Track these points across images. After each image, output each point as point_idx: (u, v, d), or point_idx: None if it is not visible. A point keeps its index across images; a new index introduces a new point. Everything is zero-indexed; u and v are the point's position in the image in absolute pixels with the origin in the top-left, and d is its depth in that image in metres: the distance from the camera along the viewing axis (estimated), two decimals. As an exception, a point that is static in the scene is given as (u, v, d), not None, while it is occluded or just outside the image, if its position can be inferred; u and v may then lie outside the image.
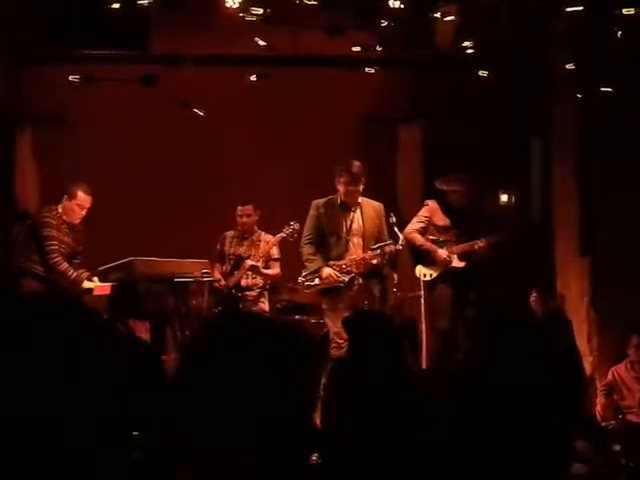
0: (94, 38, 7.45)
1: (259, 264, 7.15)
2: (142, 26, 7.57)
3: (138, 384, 1.88)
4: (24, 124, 8.02)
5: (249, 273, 7.25)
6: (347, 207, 6.73)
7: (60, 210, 6.81)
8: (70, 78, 7.51)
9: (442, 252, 7.00)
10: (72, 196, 6.78)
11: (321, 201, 6.80)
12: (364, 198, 6.77)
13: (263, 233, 7.35)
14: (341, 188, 6.66)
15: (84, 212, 6.84)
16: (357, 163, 6.65)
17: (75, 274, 6.67)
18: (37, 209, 7.41)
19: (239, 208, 7.33)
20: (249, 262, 7.16)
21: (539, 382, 2.83)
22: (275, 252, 7.26)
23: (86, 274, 6.78)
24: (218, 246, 7.39)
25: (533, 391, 2.74)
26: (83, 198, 6.80)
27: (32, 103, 7.94)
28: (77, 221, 6.85)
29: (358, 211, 6.74)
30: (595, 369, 7.19)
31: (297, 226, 7.04)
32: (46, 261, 6.66)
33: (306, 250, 6.76)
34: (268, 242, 7.22)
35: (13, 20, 7.40)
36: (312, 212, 6.79)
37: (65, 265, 6.67)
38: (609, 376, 6.88)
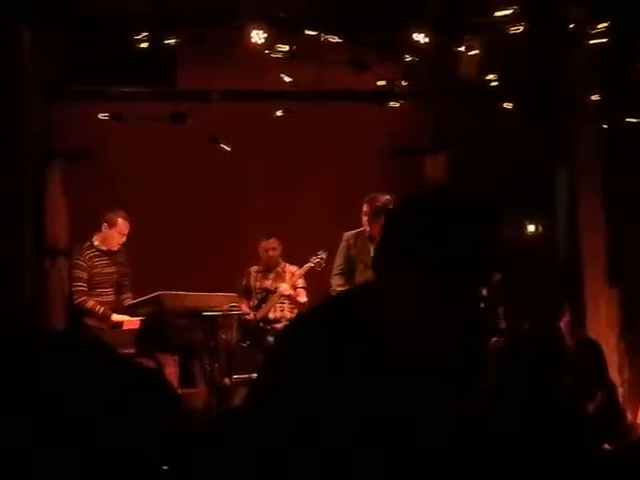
0: (123, 76, 7.56)
1: (290, 292, 7.19)
2: (169, 63, 7.68)
3: (147, 417, 1.89)
4: (55, 160, 8.13)
5: (277, 306, 7.28)
6: (376, 238, 6.75)
7: (97, 242, 6.94)
8: (100, 115, 7.63)
9: None
10: (113, 224, 6.94)
11: (351, 233, 6.89)
12: None
13: (287, 264, 7.40)
14: (363, 220, 6.70)
15: (124, 238, 6.99)
16: (384, 197, 6.66)
17: (102, 310, 6.79)
18: (66, 245, 7.51)
19: (263, 243, 7.39)
20: (284, 287, 7.17)
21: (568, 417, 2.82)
22: (300, 282, 7.30)
23: (127, 298, 6.87)
24: (244, 281, 7.44)
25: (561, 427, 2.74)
26: (123, 225, 6.97)
27: (62, 139, 8.05)
28: (116, 248, 6.99)
29: None
30: (626, 401, 7.11)
31: (324, 255, 7.09)
32: (72, 301, 6.78)
33: (335, 281, 6.81)
34: (294, 273, 7.25)
35: (45, 58, 7.53)
36: (342, 244, 6.86)
37: (91, 303, 6.79)
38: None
